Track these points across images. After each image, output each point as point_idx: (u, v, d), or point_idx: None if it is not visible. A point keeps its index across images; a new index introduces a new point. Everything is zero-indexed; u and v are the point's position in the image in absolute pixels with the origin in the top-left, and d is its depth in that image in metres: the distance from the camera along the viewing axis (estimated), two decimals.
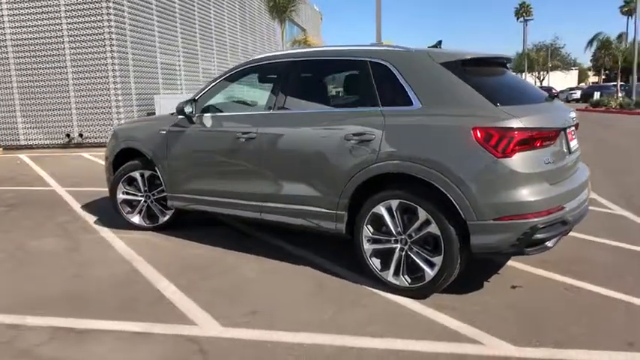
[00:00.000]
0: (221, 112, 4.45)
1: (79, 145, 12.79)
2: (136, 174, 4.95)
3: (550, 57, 58.61)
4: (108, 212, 5.65)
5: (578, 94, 42.75)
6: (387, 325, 3.00)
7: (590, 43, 49.43)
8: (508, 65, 3.96)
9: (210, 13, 18.13)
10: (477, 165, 3.04)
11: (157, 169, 4.71)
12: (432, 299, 3.32)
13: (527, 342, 2.78)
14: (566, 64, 64.85)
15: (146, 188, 4.97)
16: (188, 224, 5.07)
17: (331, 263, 4.00)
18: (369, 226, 3.48)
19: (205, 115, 4.34)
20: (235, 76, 4.40)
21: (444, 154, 3.12)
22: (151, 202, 4.98)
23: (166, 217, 4.98)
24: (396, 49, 3.62)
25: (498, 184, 3.01)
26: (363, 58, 3.63)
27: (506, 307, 3.25)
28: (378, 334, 2.91)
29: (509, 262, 3.96)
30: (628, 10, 66.87)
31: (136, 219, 5.05)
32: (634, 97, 24.64)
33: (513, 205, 3.00)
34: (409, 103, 3.36)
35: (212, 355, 2.72)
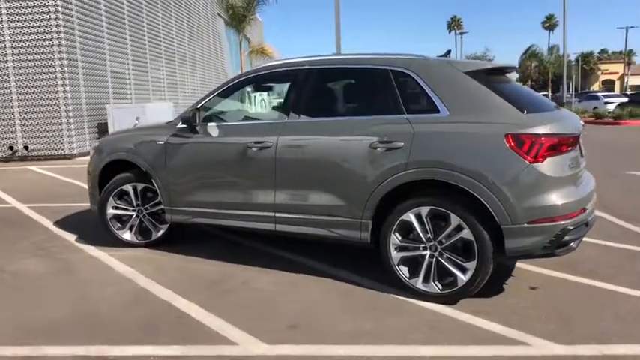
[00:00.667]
0: (225, 121, 4.31)
1: (24, 158, 11.90)
2: (128, 187, 4.67)
3: None
4: (87, 229, 5.33)
5: None
6: (431, 332, 3.01)
7: (525, 54, 52.79)
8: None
9: (158, 20, 17.58)
10: (510, 170, 3.13)
11: (153, 181, 4.47)
12: (463, 304, 3.37)
13: (570, 340, 2.88)
14: None
15: (139, 202, 4.70)
16: (180, 239, 4.83)
17: (348, 272, 3.96)
18: (396, 234, 3.48)
19: (210, 124, 4.18)
20: (240, 84, 4.29)
21: (477, 160, 3.19)
22: (144, 216, 4.72)
23: (160, 233, 4.73)
24: (418, 57, 3.67)
25: (531, 188, 3.12)
26: (384, 67, 3.65)
27: (533, 307, 3.35)
28: (424, 341, 2.91)
29: (519, 264, 4.10)
30: (549, 25, 72.36)
31: (127, 235, 4.76)
32: (573, 107, 26.57)
33: (546, 208, 3.11)
34: (436, 110, 3.41)
35: None
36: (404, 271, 3.50)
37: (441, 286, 3.39)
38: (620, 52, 68.03)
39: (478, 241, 3.22)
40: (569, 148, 3.30)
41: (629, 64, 67.37)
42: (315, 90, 3.92)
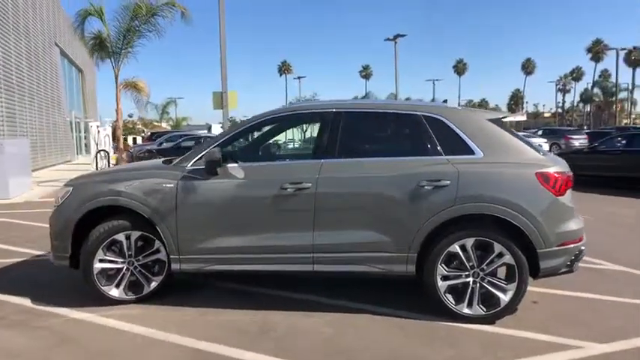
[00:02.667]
0: (246, 161, 4.15)
1: None
2: (121, 236, 4.12)
3: None
4: (37, 288, 4.52)
5: None
6: (507, 350, 3.36)
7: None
8: None
9: None
10: (542, 203, 3.74)
11: (158, 228, 4.05)
12: (498, 323, 3.80)
13: (609, 338, 3.50)
14: None
15: (130, 252, 4.18)
16: (164, 292, 4.36)
17: (386, 308, 4.07)
18: (443, 265, 3.80)
19: (233, 165, 4.00)
20: (264, 123, 4.22)
21: (516, 195, 3.73)
22: (135, 268, 4.20)
23: (153, 285, 4.25)
24: (444, 105, 4.14)
25: (558, 217, 3.77)
26: (418, 113, 4.03)
27: (553, 317, 3.95)
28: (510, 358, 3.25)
29: None
30: (365, 75, 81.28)
31: (115, 292, 4.17)
32: None
33: (569, 233, 3.78)
34: (471, 152, 3.89)
35: None
36: (450, 298, 3.82)
37: (485, 308, 3.79)
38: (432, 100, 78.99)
39: (518, 265, 3.72)
40: (571, 184, 4.06)
41: None
42: (352, 131, 4.08)
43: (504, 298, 3.76)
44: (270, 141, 4.54)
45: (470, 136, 3.93)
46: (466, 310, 3.80)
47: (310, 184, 3.90)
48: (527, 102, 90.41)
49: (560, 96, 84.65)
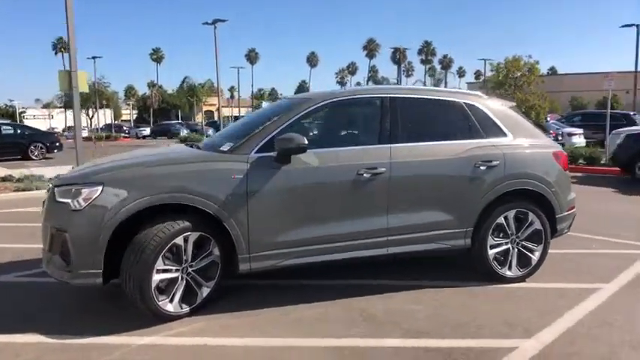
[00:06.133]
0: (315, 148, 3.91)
1: None
2: (180, 240, 3.49)
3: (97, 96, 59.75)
4: (64, 317, 3.65)
5: (147, 131, 46.20)
6: (553, 297, 4.05)
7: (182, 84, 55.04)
8: None
9: None
10: (558, 176, 4.53)
11: (226, 225, 3.57)
12: (528, 280, 4.51)
13: (609, 279, 4.49)
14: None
15: (187, 258, 3.57)
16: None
17: (442, 281, 4.37)
18: (492, 235, 4.31)
19: (309, 152, 3.75)
20: (324, 107, 4.02)
21: (544, 171, 4.43)
22: (188, 275, 3.62)
23: (205, 293, 3.73)
24: (477, 93, 4.60)
25: (566, 187, 4.62)
26: (460, 100, 4.41)
27: (564, 270, 4.76)
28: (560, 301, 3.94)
29: None
30: (157, 58, 77.00)
31: (170, 306, 3.54)
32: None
33: (572, 200, 4.68)
34: (504, 135, 4.45)
35: None
36: (495, 264, 4.35)
37: (521, 269, 4.44)
38: (231, 88, 78.63)
39: (544, 229, 4.46)
40: None
41: (231, 97, 78.66)
42: (411, 117, 4.22)
43: (534, 258, 4.46)
44: (334, 126, 4.32)
45: (501, 121, 4.49)
46: (508, 273, 4.39)
47: (384, 169, 3.95)
48: None
49: (340, 88, 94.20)
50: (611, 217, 7.25)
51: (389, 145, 4.06)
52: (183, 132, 37.98)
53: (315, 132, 3.86)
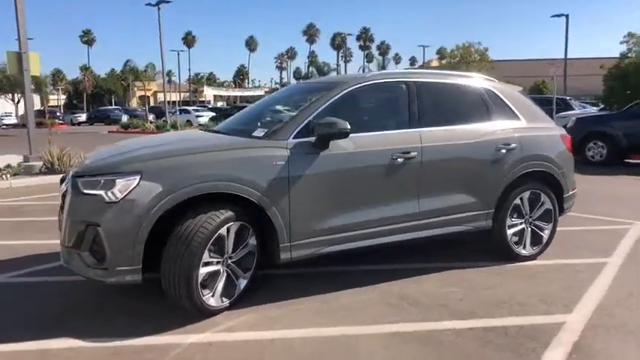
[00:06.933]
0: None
1: None
2: (224, 231, 3.32)
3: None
4: (98, 318, 3.41)
5: (83, 117, 43.74)
6: (569, 272, 4.26)
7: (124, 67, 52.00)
8: None
9: None
10: (565, 158, 4.74)
11: (269, 214, 3.44)
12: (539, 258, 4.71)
13: (609, 253, 4.79)
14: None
15: (228, 249, 3.42)
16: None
17: (466, 262, 4.48)
18: (510, 216, 4.45)
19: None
20: (356, 91, 3.94)
21: (554, 154, 4.62)
22: (228, 267, 3.47)
23: (242, 285, 3.60)
24: (490, 79, 4.67)
25: (571, 168, 4.84)
26: (476, 85, 4.50)
27: (568, 247, 4.99)
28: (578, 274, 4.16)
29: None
30: (87, 40, 72.62)
31: (212, 301, 3.38)
32: (168, 120, 28.54)
33: (574, 180, 4.91)
34: (518, 119, 4.58)
35: None
36: (512, 244, 4.51)
37: (534, 247, 4.62)
38: (169, 73, 75.46)
39: (554, 208, 4.66)
40: None
41: (169, 82, 75.67)
42: (435, 101, 4.24)
43: (545, 236, 4.66)
44: (366, 110, 4.22)
45: (514, 105, 4.62)
46: (523, 251, 4.56)
47: (416, 153, 3.95)
48: (254, 79, 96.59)
49: (279, 73, 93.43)
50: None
51: (419, 130, 4.06)
52: (124, 118, 36.16)
53: (349, 116, 3.77)
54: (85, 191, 3.24)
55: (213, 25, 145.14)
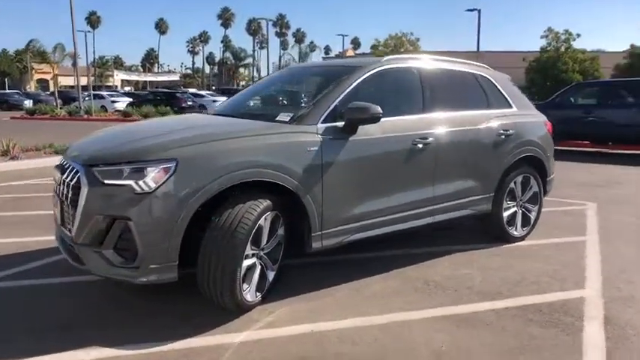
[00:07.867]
0: None
1: None
2: (262, 221, 3.12)
3: None
4: (102, 314, 3.09)
5: None
6: (567, 251, 4.57)
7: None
8: None
9: None
10: (549, 143, 5.05)
11: (303, 202, 3.29)
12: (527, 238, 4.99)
13: (583, 232, 5.19)
14: None
15: (264, 240, 3.23)
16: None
17: (467, 245, 4.63)
18: (506, 199, 4.65)
19: None
20: (375, 75, 3.87)
21: (542, 139, 4.90)
22: (260, 258, 3.29)
23: (271, 277, 3.44)
24: (485, 66, 4.81)
25: (552, 153, 5.15)
26: (473, 72, 4.64)
27: (550, 227, 5.34)
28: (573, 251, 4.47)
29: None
30: None
31: (249, 296, 3.18)
32: (81, 106, 26.33)
33: (554, 165, 5.24)
34: (510, 106, 4.78)
35: None
36: (507, 226, 4.73)
37: (524, 228, 4.88)
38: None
39: (540, 190, 4.96)
40: None
41: (73, 64, 69.83)
42: (443, 87, 4.27)
43: (532, 217, 4.95)
44: (384, 94, 4.08)
45: (506, 93, 4.82)
46: (515, 233, 4.80)
47: (432, 139, 3.98)
48: (164, 64, 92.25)
49: (191, 57, 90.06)
50: None
51: (432, 115, 4.09)
52: (28, 103, 32.82)
53: (370, 100, 3.68)
54: (107, 182, 2.88)
55: (120, 5, 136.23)
